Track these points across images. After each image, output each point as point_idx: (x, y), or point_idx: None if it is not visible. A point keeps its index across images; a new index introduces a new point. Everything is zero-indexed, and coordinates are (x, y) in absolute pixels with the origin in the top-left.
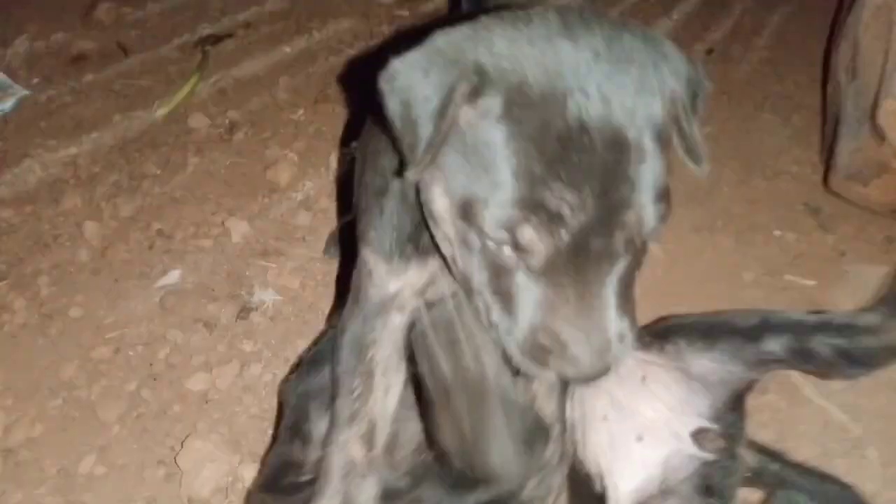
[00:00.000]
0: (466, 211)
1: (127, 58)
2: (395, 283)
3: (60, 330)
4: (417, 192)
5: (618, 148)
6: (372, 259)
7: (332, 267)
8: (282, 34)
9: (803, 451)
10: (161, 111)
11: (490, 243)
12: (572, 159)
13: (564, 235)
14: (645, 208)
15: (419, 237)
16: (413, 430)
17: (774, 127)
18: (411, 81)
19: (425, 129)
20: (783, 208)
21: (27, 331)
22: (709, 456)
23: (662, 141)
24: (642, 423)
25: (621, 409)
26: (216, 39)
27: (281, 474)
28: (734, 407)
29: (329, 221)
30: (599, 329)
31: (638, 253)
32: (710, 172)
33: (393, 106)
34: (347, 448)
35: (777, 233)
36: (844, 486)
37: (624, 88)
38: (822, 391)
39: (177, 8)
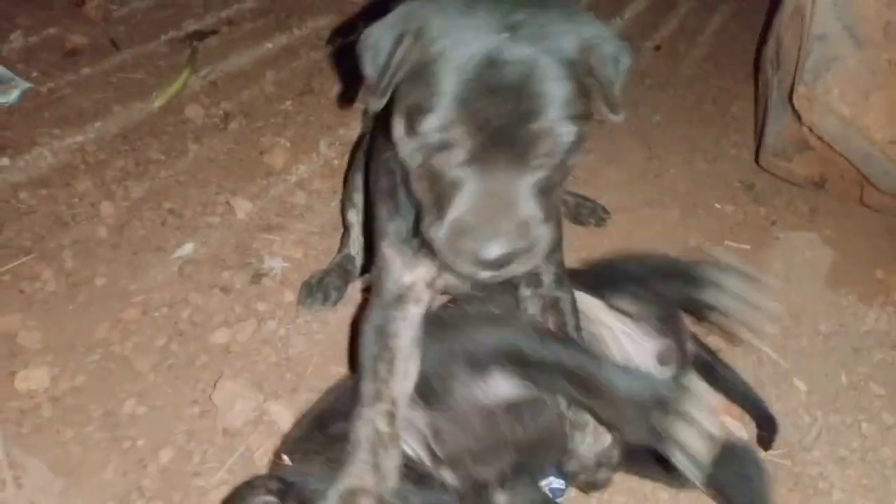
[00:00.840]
0: (412, 121)
1: (119, 52)
2: (409, 276)
3: (89, 296)
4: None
5: (528, 69)
6: (388, 253)
7: (330, 240)
8: (264, 31)
9: None
10: (158, 102)
11: (428, 148)
12: (492, 76)
13: (486, 131)
14: (555, 123)
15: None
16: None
17: (715, 116)
18: (377, 37)
19: (384, 62)
20: (722, 185)
21: (57, 298)
22: (670, 372)
23: (574, 74)
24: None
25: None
26: (202, 35)
27: (323, 421)
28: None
29: (322, 201)
30: (508, 214)
31: (557, 169)
32: (659, 156)
33: (365, 59)
34: (374, 423)
35: (717, 206)
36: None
37: (539, 29)
38: (756, 334)
39: (161, 5)
